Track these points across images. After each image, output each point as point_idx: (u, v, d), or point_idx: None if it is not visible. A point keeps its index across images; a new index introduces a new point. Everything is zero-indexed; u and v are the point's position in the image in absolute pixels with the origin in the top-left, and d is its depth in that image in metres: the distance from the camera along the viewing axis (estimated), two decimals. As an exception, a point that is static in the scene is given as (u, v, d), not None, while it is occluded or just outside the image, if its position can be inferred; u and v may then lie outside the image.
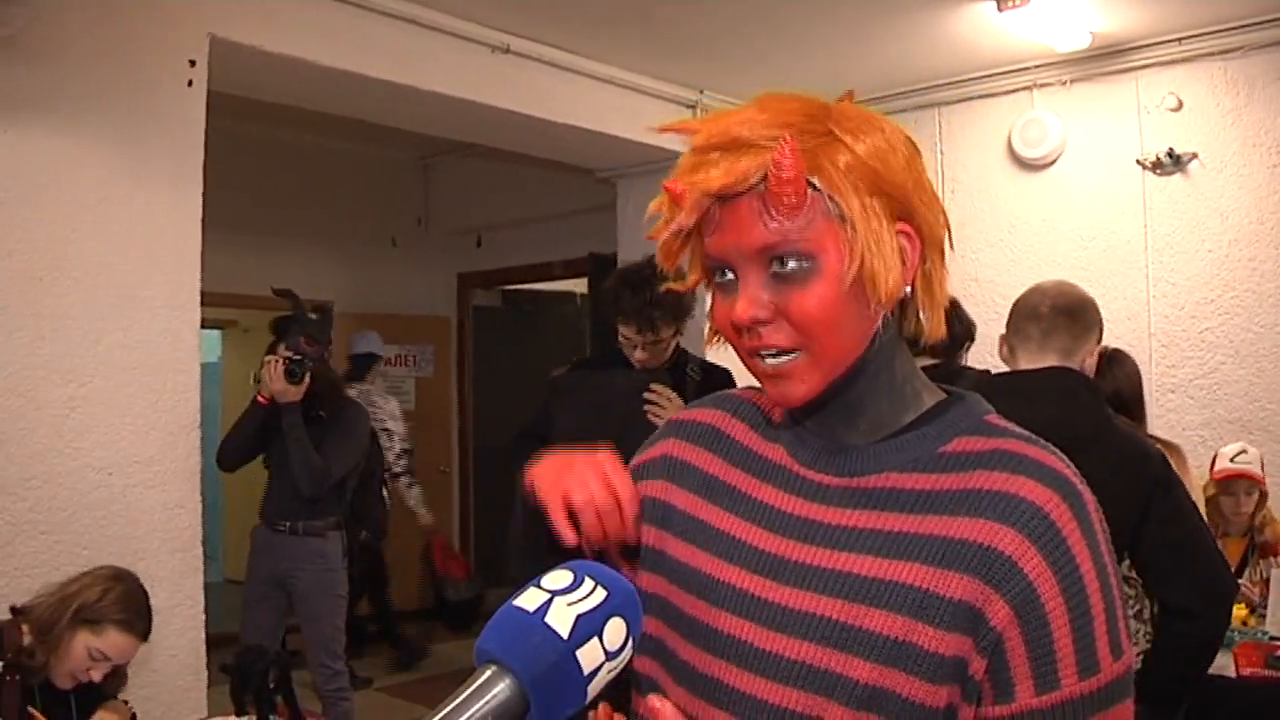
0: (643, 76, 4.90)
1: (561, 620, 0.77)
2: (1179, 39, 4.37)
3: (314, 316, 4.18)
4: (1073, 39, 4.32)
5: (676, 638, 1.04)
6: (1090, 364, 2.44)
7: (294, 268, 6.58)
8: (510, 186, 7.18)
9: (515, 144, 5.19)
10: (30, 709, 2.40)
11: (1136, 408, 3.05)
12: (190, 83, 3.39)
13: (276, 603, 4.13)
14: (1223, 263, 4.37)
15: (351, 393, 4.79)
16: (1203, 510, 3.01)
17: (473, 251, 7.75)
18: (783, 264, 0.92)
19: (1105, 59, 4.54)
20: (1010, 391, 2.19)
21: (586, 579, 0.81)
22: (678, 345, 3.17)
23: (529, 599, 0.79)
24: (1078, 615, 0.89)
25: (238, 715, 2.74)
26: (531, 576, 0.81)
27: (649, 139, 5.00)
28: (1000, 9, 4.03)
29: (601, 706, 0.97)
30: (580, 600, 0.79)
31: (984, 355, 3.49)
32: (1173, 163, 4.43)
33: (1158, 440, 2.77)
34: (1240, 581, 3.36)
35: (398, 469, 6.16)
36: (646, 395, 2.94)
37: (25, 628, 2.44)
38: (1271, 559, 3.57)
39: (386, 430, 6.04)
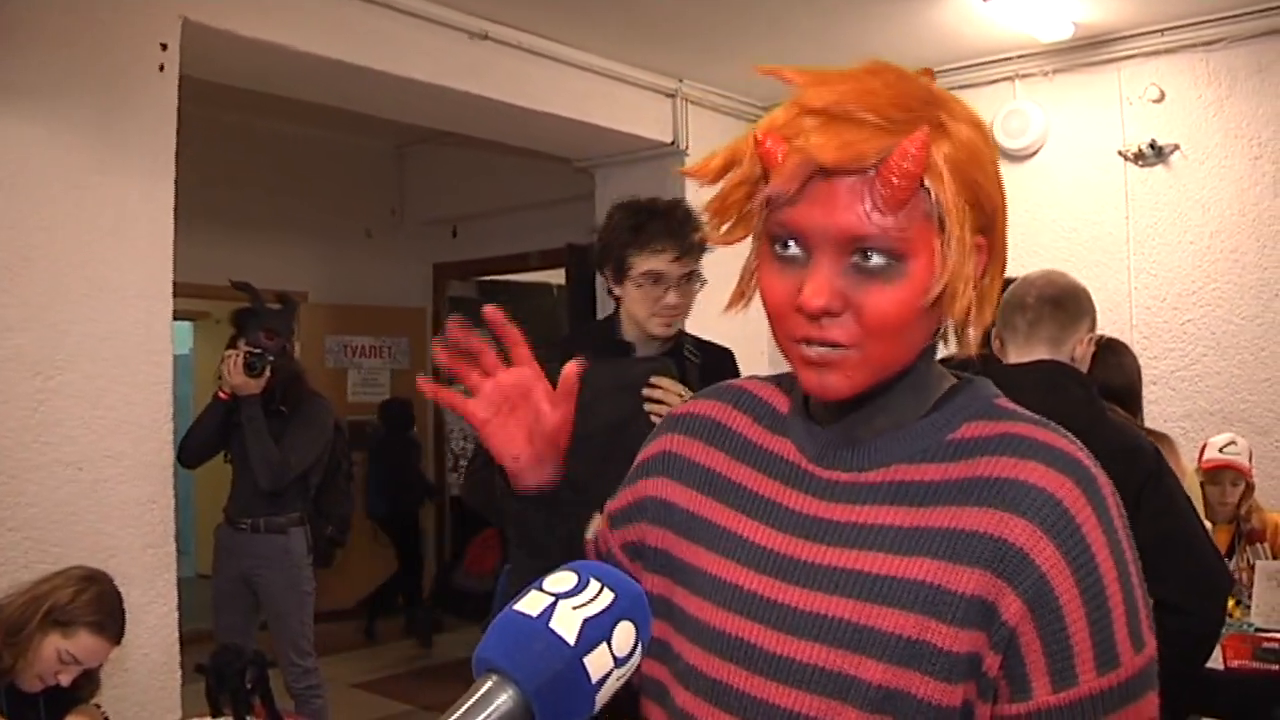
0: (622, 64, 4.85)
1: (567, 625, 0.73)
2: (1161, 30, 4.37)
3: (275, 308, 4.14)
4: (1055, 29, 4.31)
5: (682, 640, 1.00)
6: (1082, 353, 2.40)
7: (267, 259, 6.53)
8: (486, 176, 7.12)
9: (493, 132, 5.13)
10: (-4, 711, 2.34)
11: (1131, 400, 3.01)
12: (162, 67, 3.32)
13: (245, 601, 4.08)
14: (1204, 254, 4.37)
15: None
16: (1198, 502, 2.99)
17: (448, 242, 7.69)
18: (867, 257, 0.86)
19: (1087, 50, 4.53)
20: (998, 385, 2.15)
21: (592, 581, 0.77)
22: None
23: (531, 603, 0.75)
24: (1095, 608, 0.86)
25: (213, 716, 2.67)
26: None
27: (628, 128, 4.98)
28: (984, -1, 4.01)
29: None
30: (586, 604, 0.75)
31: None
32: (1155, 154, 4.43)
33: (1150, 432, 2.74)
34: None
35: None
36: (647, 391, 2.33)
37: (-8, 628, 2.37)
38: (1259, 545, 3.58)
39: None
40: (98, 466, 3.18)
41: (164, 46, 3.33)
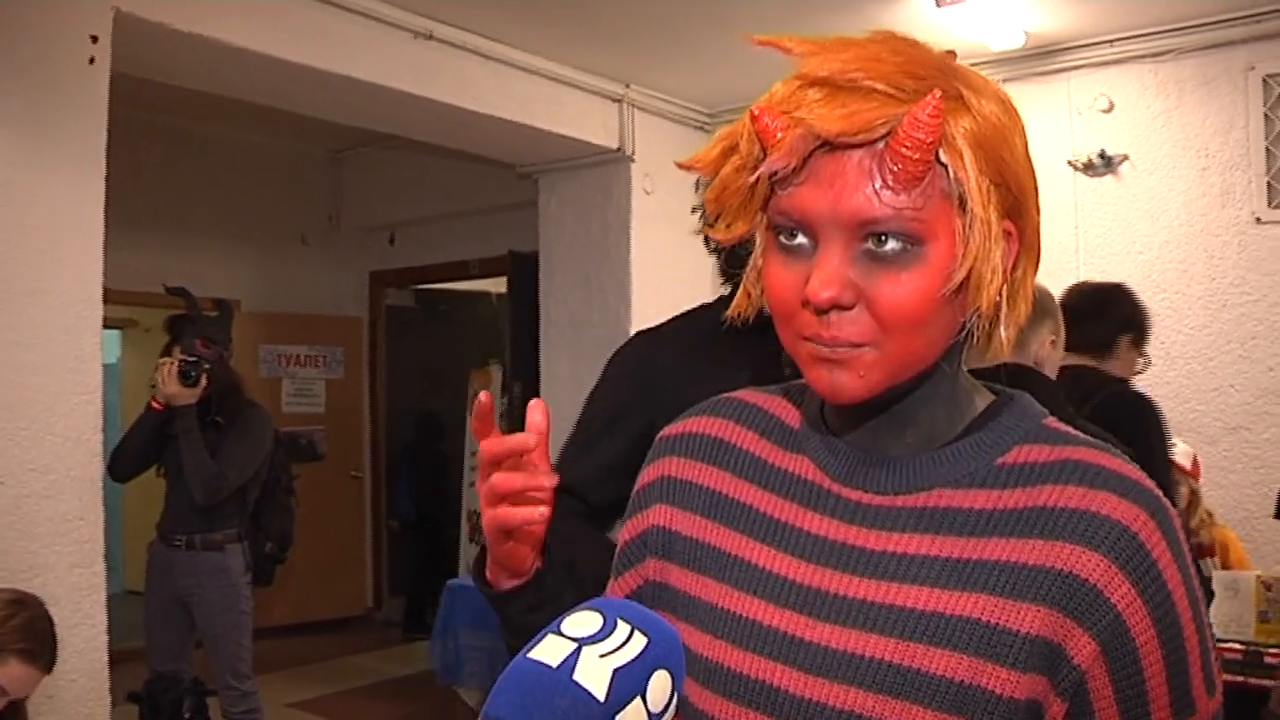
0: (568, 68, 4.75)
1: (595, 677, 0.62)
2: (1111, 41, 4.37)
3: (212, 315, 4.02)
4: (1007, 38, 4.28)
5: (691, 684, 0.88)
6: (1046, 355, 2.37)
7: (198, 265, 6.33)
8: (426, 182, 6.98)
9: (435, 135, 5.01)
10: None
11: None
12: (92, 60, 3.18)
13: (180, 622, 3.92)
14: (1153, 264, 4.37)
15: None
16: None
17: (385, 249, 7.54)
18: (881, 242, 0.76)
19: (1038, 59, 4.52)
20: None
21: (620, 623, 0.66)
22: None
23: (549, 650, 0.64)
24: (1172, 650, 0.78)
25: (147, 748, 2.52)
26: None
27: (574, 133, 4.88)
28: (938, 4, 3.98)
29: None
30: (615, 650, 0.64)
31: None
32: (1104, 164, 4.43)
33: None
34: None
35: None
36: None
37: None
38: (1209, 560, 3.55)
39: None
40: (21, 481, 3.02)
41: (94, 39, 3.19)
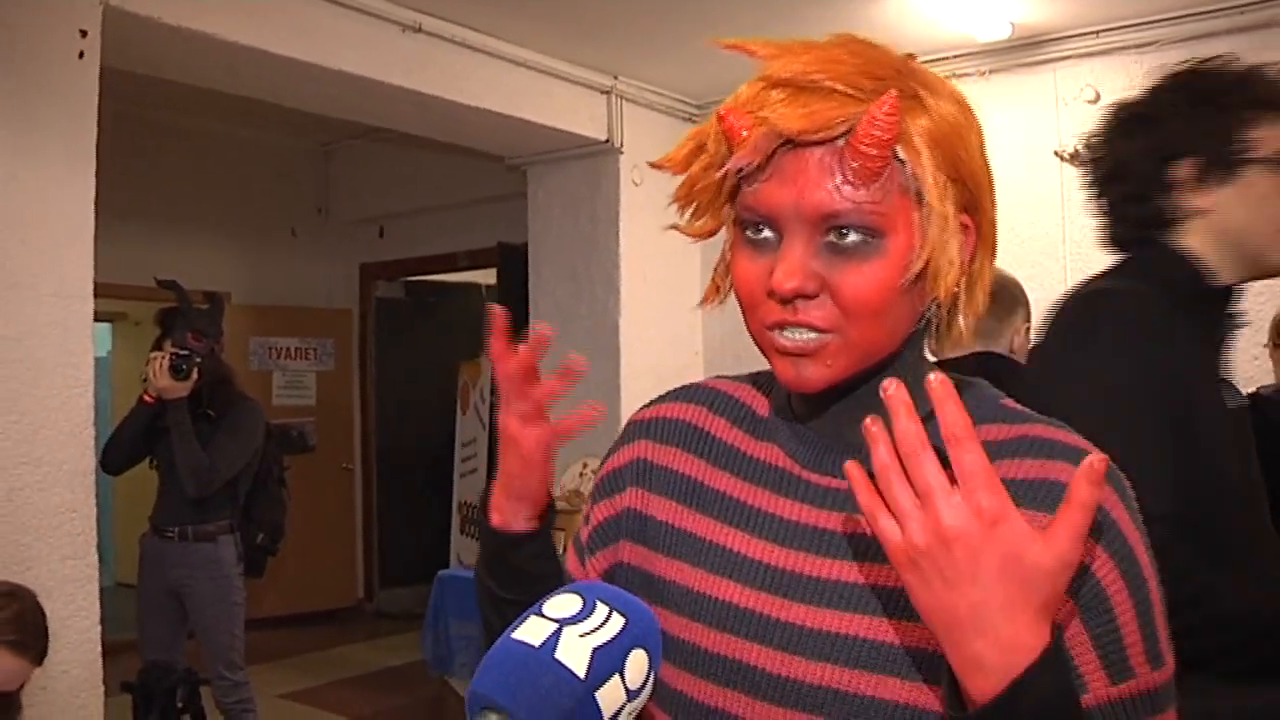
0: (557, 60, 4.76)
1: (575, 655, 0.65)
2: (1096, 32, 4.39)
3: (203, 308, 4.03)
4: (993, 29, 4.31)
5: (667, 666, 0.91)
6: (1020, 344, 2.40)
7: (189, 258, 6.34)
8: (415, 174, 6.98)
9: (424, 128, 5.02)
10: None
11: None
12: (81, 54, 3.18)
13: (172, 614, 3.94)
14: (1138, 255, 4.40)
15: None
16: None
17: (375, 242, 7.55)
18: (842, 235, 0.81)
19: (1024, 50, 4.54)
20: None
21: (599, 604, 0.69)
22: None
23: (531, 630, 0.67)
24: (1140, 599, 0.81)
25: (141, 737, 2.55)
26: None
27: (562, 125, 4.89)
28: (925, -5, 4.00)
29: None
30: (595, 630, 0.67)
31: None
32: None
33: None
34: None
35: None
36: None
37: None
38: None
39: None
40: (13, 474, 3.03)
41: (84, 33, 3.19)
